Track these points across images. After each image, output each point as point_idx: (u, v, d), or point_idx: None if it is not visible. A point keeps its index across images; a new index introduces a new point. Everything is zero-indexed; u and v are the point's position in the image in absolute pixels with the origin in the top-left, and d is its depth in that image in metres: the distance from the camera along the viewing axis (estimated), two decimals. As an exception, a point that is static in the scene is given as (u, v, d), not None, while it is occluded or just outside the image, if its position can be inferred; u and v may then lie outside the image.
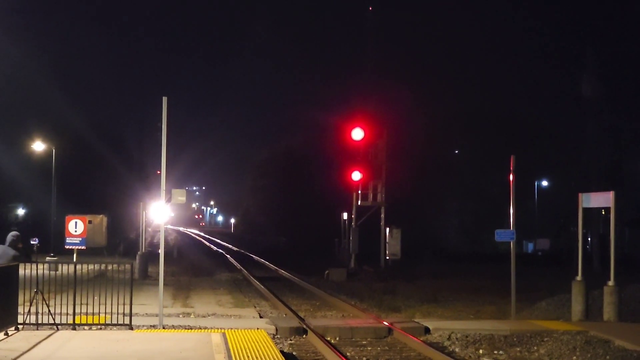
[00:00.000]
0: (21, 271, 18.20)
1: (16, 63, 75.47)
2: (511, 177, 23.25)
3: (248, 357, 15.12)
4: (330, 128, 69.95)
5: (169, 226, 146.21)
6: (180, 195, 19.84)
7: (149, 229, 68.50)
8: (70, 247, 26.59)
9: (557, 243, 75.86)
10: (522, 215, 43.04)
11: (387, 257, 48.02)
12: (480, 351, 18.16)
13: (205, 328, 19.63)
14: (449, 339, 19.59)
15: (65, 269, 19.69)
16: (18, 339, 16.66)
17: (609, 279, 22.35)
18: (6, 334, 17.02)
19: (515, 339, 19.17)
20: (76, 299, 18.62)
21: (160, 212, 21.51)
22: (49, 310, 18.30)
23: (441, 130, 75.38)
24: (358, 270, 45.12)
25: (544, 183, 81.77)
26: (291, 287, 36.20)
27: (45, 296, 18.75)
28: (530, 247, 77.89)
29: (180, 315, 22.82)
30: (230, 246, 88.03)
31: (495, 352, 18.03)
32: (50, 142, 53.91)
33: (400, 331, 20.05)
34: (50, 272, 21.11)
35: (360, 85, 57.42)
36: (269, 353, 15.62)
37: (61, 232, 29.37)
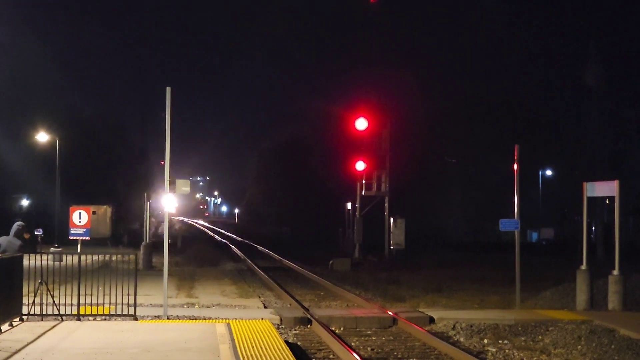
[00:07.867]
0: (25, 262, 18.22)
1: (19, 54, 75.48)
2: (515, 166, 23.20)
3: (253, 347, 15.13)
4: (334, 118, 69.90)
5: (174, 217, 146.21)
6: (184, 186, 19.82)
7: (153, 220, 68.54)
8: (75, 237, 26.66)
9: (561, 232, 75.85)
10: (526, 205, 43.02)
11: (391, 247, 47.99)
12: (485, 341, 18.14)
13: (209, 318, 19.63)
14: (453, 328, 19.58)
15: (69, 259, 19.72)
16: (23, 330, 16.68)
17: (614, 268, 22.33)
18: (11, 324, 17.03)
19: (520, 329, 19.16)
20: (80, 289, 18.63)
21: (166, 203, 21.51)
22: (54, 301, 18.31)
23: (444, 119, 75.21)
24: (362, 260, 45.13)
25: (548, 172, 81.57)
26: (295, 277, 36.21)
27: (50, 287, 18.78)
28: (534, 236, 77.85)
29: (185, 306, 22.82)
30: (234, 236, 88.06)
31: (500, 341, 18.01)
32: (54, 133, 53.92)
33: (404, 321, 20.05)
34: (55, 262, 21.14)
35: (364, 75, 57.34)
36: (274, 343, 15.63)
37: (65, 222, 29.44)
